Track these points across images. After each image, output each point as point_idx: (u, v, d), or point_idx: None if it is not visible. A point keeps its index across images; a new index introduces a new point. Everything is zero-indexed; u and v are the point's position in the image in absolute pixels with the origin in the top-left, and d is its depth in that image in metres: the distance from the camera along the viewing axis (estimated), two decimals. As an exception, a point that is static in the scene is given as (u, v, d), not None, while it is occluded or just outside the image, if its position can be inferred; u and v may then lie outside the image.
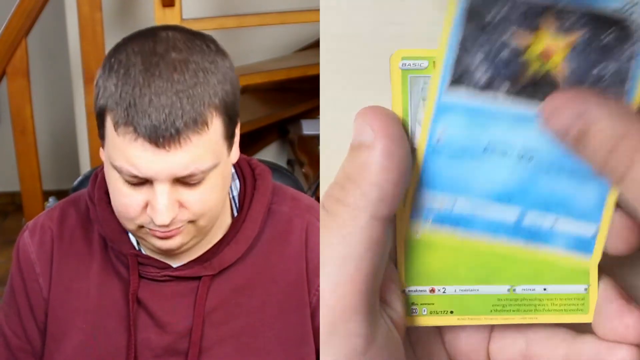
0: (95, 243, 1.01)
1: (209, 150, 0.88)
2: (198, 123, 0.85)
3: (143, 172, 0.86)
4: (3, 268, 3.03)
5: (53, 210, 1.05)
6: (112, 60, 0.88)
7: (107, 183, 0.94)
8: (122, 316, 0.98)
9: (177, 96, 0.84)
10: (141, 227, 0.92)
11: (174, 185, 0.88)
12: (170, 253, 0.96)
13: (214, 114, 0.87)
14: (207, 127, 0.86)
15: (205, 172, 0.89)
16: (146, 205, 0.89)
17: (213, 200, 0.92)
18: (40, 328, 1.03)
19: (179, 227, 0.91)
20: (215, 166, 0.89)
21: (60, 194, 1.58)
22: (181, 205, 0.89)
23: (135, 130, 0.84)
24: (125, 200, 0.90)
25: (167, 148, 0.85)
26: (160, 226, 0.89)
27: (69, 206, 1.04)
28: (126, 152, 0.86)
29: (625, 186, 0.48)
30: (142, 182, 0.88)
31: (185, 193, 0.89)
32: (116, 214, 0.95)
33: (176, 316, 0.97)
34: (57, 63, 3.48)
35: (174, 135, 0.84)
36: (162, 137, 0.84)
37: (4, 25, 2.26)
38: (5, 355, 1.05)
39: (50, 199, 1.93)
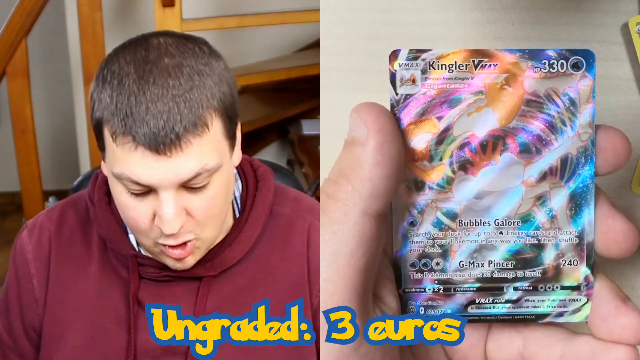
0: (95, 244, 1.00)
1: (212, 149, 0.87)
2: (198, 126, 0.84)
3: (145, 181, 0.85)
4: (3, 268, 3.03)
5: (52, 210, 1.04)
6: (105, 71, 0.87)
7: (114, 197, 0.92)
8: (122, 317, 0.97)
9: (174, 101, 0.83)
10: (157, 243, 0.91)
11: (179, 192, 0.87)
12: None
13: (213, 115, 0.86)
14: (208, 128, 0.85)
15: (211, 172, 0.87)
16: (154, 216, 0.88)
17: (217, 207, 0.91)
18: (26, 328, 1.02)
19: (189, 241, 0.90)
20: (219, 167, 0.88)
21: (60, 194, 1.58)
22: (187, 213, 0.89)
23: (134, 139, 0.83)
24: (133, 213, 0.89)
25: (168, 154, 0.83)
26: (169, 236, 0.88)
27: (68, 207, 1.04)
28: (127, 161, 0.85)
29: None
30: (147, 191, 0.87)
31: (190, 199, 0.88)
32: (130, 229, 0.95)
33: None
34: (57, 63, 3.48)
35: (174, 140, 0.82)
36: (162, 143, 0.82)
37: (4, 25, 2.27)
38: None
39: (50, 199, 1.93)
